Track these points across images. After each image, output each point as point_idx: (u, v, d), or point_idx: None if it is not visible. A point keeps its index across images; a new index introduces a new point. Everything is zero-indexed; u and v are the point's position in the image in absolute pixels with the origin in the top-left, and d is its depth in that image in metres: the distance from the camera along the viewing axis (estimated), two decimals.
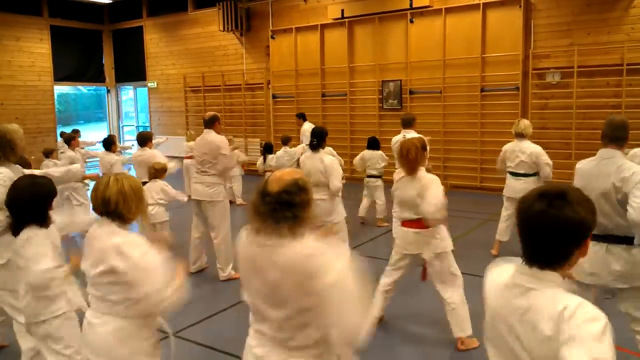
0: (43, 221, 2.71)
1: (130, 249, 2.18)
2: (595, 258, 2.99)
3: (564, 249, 1.44)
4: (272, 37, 11.98)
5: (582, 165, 3.23)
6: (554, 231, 1.41)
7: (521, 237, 1.49)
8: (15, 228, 2.69)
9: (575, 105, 8.58)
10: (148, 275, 2.14)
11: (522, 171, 5.52)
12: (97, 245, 2.25)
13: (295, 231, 1.82)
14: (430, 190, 3.54)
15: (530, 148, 5.47)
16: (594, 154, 3.19)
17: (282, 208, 1.81)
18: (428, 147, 6.10)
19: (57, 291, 2.71)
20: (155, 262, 2.18)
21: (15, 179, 3.22)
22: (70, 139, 7.79)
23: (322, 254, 1.78)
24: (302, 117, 9.44)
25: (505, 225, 5.76)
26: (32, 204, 2.68)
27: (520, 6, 8.89)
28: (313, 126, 10.08)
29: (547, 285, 1.43)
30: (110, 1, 14.64)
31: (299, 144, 8.60)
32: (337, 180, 4.70)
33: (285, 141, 8.08)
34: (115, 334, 2.22)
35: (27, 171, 3.49)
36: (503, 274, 1.58)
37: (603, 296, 3.12)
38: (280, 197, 1.82)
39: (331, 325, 1.79)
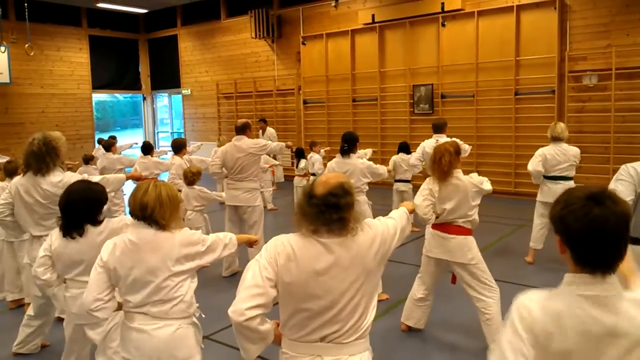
0: (93, 224, 2.81)
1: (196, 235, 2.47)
2: None
3: (625, 247, 1.34)
4: (303, 43, 12.08)
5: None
6: (622, 230, 1.32)
7: (579, 243, 1.33)
8: (66, 229, 2.78)
9: (613, 108, 8.34)
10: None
11: (565, 174, 5.42)
12: (165, 248, 2.33)
13: (347, 230, 1.92)
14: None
15: (572, 150, 5.44)
16: (634, 159, 3.10)
17: (329, 210, 1.87)
18: (468, 151, 6.08)
19: None
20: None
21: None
22: (110, 145, 8.07)
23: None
24: (264, 122, 10.85)
25: (541, 233, 5.64)
26: (85, 208, 2.78)
27: (555, 8, 8.71)
28: (272, 131, 10.60)
29: (620, 290, 1.33)
30: (146, 11, 15.05)
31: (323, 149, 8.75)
32: (380, 169, 4.89)
33: (312, 146, 8.16)
34: (176, 336, 2.32)
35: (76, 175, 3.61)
36: (553, 297, 1.37)
37: None
38: (326, 199, 1.88)
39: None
